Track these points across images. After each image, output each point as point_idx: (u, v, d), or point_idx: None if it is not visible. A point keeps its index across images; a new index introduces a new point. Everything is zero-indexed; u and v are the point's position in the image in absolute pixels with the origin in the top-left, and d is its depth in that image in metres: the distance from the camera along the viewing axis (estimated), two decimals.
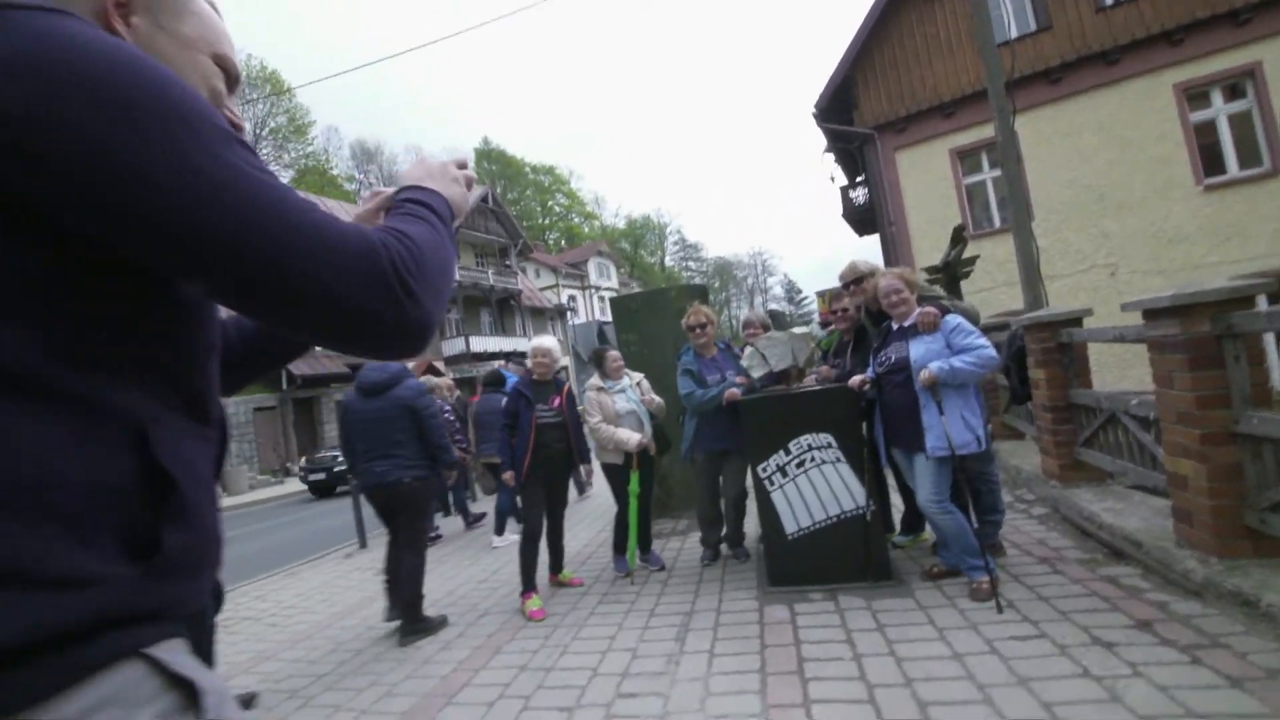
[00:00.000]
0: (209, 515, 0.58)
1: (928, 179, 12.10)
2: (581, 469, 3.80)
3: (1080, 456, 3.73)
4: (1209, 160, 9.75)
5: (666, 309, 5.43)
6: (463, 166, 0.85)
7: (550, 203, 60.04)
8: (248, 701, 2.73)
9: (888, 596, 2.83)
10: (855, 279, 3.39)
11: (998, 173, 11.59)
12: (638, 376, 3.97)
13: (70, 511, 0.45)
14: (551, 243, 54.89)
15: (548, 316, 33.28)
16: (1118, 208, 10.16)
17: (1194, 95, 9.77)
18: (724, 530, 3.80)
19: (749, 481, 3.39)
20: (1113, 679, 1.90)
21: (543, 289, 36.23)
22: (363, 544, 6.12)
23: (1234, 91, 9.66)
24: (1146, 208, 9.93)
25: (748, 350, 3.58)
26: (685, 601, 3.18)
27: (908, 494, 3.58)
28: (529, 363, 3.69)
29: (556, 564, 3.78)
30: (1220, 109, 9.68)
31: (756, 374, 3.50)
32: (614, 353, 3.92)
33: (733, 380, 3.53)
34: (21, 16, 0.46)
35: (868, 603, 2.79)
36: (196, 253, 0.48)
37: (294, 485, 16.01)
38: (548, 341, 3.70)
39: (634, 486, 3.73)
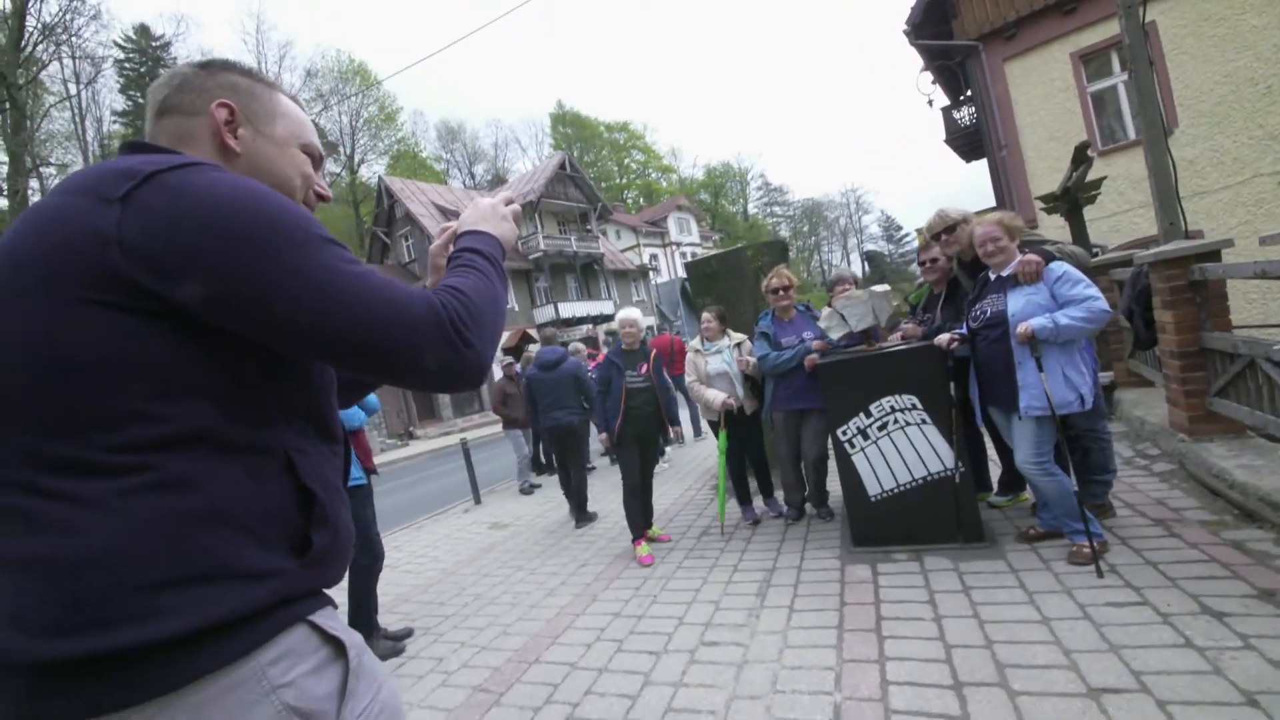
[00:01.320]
0: (342, 517, 0.80)
1: (1044, 90, 10.68)
2: (670, 430, 4.07)
3: (1213, 407, 3.35)
4: None
5: (744, 269, 5.37)
6: (509, 204, 1.02)
7: (626, 160, 59.46)
8: (406, 635, 3.27)
9: (977, 558, 2.79)
10: (946, 228, 3.19)
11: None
12: (739, 338, 4.03)
13: (252, 525, 0.66)
14: (630, 201, 54.69)
15: (631, 278, 33.57)
16: None
17: None
18: (806, 491, 3.87)
19: (829, 443, 3.41)
20: (1218, 650, 1.80)
21: (624, 250, 36.45)
22: (477, 500, 6.82)
23: None
24: None
25: (825, 311, 3.52)
26: (768, 558, 3.32)
27: (1005, 453, 3.43)
28: (619, 332, 4.03)
29: (646, 520, 4.04)
30: None
31: (835, 335, 3.45)
32: (705, 314, 4.02)
33: (808, 344, 3.51)
34: (172, 179, 0.64)
35: (955, 564, 2.77)
36: (314, 337, 0.67)
37: (418, 447, 17.84)
38: (634, 313, 4.03)
39: (722, 444, 3.89)
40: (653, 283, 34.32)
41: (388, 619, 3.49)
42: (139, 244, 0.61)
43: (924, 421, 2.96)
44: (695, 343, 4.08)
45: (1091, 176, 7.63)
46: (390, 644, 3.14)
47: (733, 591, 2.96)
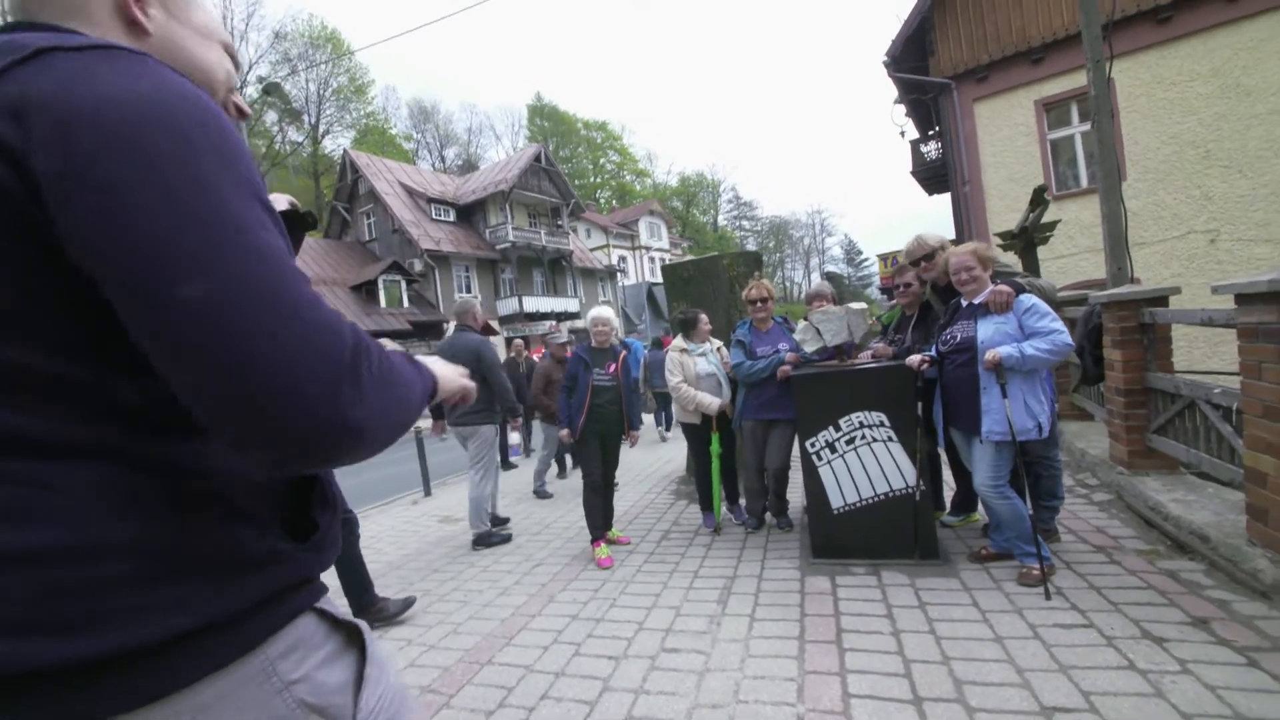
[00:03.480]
0: (339, 496, 0.71)
1: (1008, 133, 11.23)
2: (631, 435, 3.94)
3: (1151, 443, 3.55)
4: None
5: (720, 276, 5.41)
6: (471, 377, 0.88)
7: (602, 160, 59.34)
8: (409, 603, 3.25)
9: (932, 575, 2.85)
10: (925, 254, 3.29)
11: (1088, 126, 10.61)
12: (717, 343, 4.11)
13: (246, 505, 0.58)
14: (603, 201, 54.54)
15: (598, 277, 33.43)
16: (1225, 166, 9.14)
17: None
18: (768, 499, 3.90)
19: (795, 453, 3.45)
20: (1159, 673, 1.89)
21: (593, 249, 36.29)
22: (427, 491, 6.59)
23: None
24: (1260, 167, 8.89)
25: (801, 324, 3.55)
26: (729, 566, 3.31)
27: (962, 475, 3.54)
28: (590, 330, 3.92)
29: (606, 522, 3.98)
30: None
31: (810, 348, 3.48)
32: (704, 315, 4.01)
33: (782, 355, 3.55)
34: (63, 62, 0.48)
35: (911, 580, 2.83)
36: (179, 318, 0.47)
37: None
38: (606, 312, 3.94)
39: (715, 447, 3.88)
40: (620, 284, 34.32)
41: None
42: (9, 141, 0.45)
43: (890, 439, 3.02)
44: (680, 343, 4.04)
45: (1047, 219, 8.06)
46: (397, 608, 3.17)
47: (694, 598, 2.93)
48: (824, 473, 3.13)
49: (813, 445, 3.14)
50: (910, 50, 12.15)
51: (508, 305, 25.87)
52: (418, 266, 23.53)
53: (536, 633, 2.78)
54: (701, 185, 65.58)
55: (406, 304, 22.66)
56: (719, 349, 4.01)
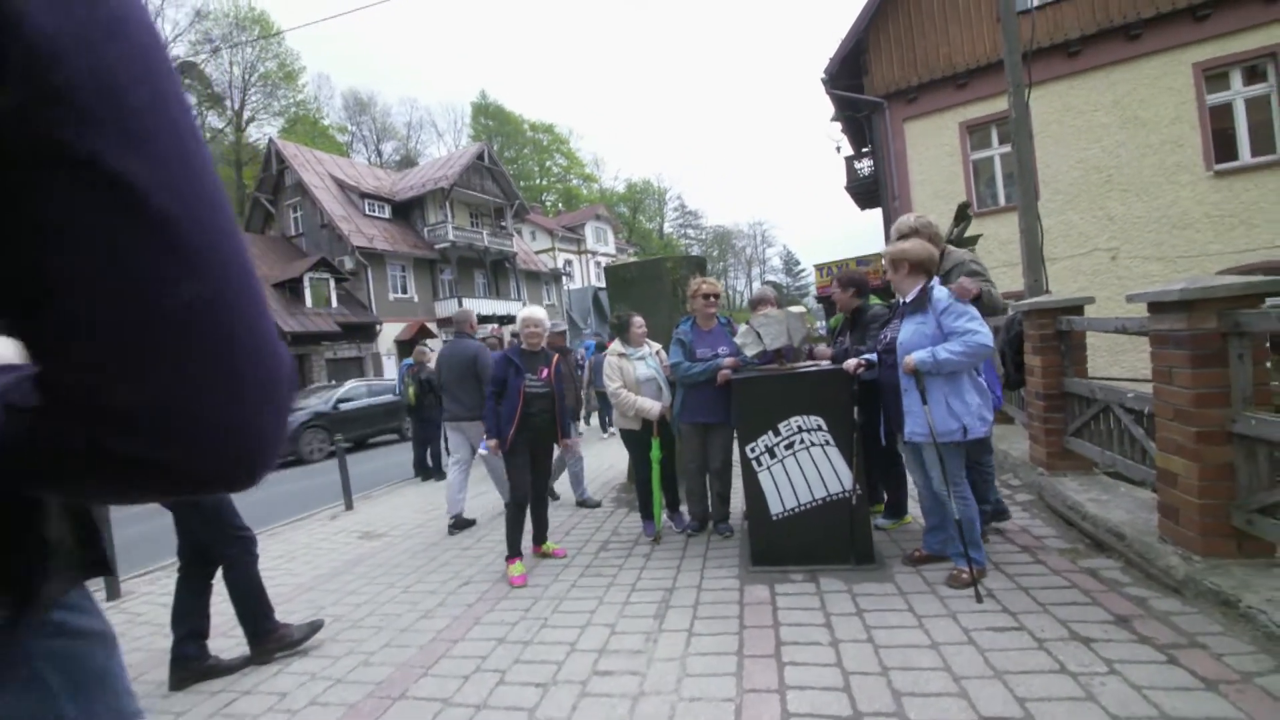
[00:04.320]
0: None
1: (935, 152, 11.83)
2: (564, 443, 3.73)
3: (1069, 445, 3.72)
4: (1221, 145, 9.54)
5: (663, 279, 5.33)
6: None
7: (549, 163, 58.70)
8: (316, 628, 2.94)
9: (868, 580, 2.83)
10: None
11: (1006, 149, 11.33)
12: (656, 346, 4.00)
13: None
14: (549, 205, 53.94)
15: (543, 281, 32.91)
16: (1124, 190, 9.98)
17: (1213, 76, 9.48)
18: (709, 502, 3.82)
19: (735, 457, 3.37)
20: (1089, 675, 1.89)
21: (539, 252, 35.73)
22: (348, 504, 6.12)
23: (1254, 74, 9.38)
24: (1154, 191, 9.76)
25: (742, 328, 3.49)
26: (667, 577, 3.18)
27: (894, 477, 3.58)
28: (521, 332, 3.62)
29: (540, 534, 3.77)
30: (1239, 92, 9.41)
31: (750, 352, 3.42)
32: (639, 319, 3.88)
33: (720, 360, 3.50)
34: None
35: (848, 586, 2.79)
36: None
37: None
38: (538, 312, 3.67)
39: (655, 453, 3.74)
40: (565, 288, 33.90)
41: (222, 644, 2.92)
42: None
43: (828, 443, 2.98)
44: (618, 346, 3.91)
45: (969, 233, 8.52)
46: (302, 634, 2.86)
47: (630, 613, 2.78)
48: (764, 479, 3.06)
49: (753, 450, 3.07)
50: (847, 68, 12.62)
51: (446, 307, 24.97)
52: (348, 264, 22.33)
53: (458, 660, 2.54)
54: (648, 192, 66.09)
55: (335, 304, 21.42)
56: (658, 352, 3.93)
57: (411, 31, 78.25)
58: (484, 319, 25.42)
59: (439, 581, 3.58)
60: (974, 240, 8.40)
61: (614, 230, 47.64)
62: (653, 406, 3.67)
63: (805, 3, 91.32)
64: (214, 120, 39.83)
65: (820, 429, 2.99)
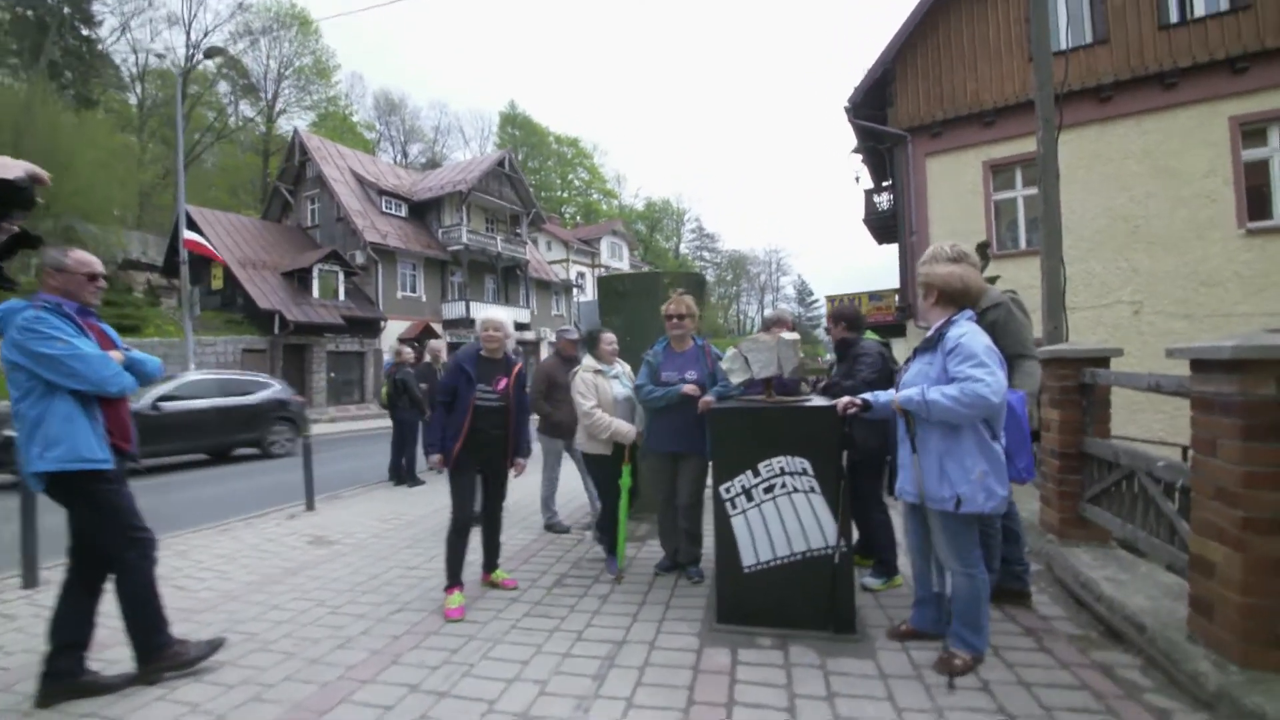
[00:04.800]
0: None
1: (956, 190, 11.54)
2: (515, 464, 3.33)
3: (1085, 513, 3.33)
4: (1255, 203, 9.17)
5: (658, 295, 5.02)
6: None
7: (571, 176, 59.20)
8: (215, 648, 2.62)
9: (846, 655, 2.45)
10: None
11: (1030, 191, 11.02)
12: (625, 366, 3.73)
13: None
14: (567, 217, 54.25)
15: (553, 291, 32.82)
16: (1150, 243, 9.61)
17: (1250, 131, 9.15)
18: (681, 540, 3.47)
19: (709, 494, 3.03)
20: None
21: (552, 262, 35.72)
22: (309, 505, 5.80)
23: None
24: (1182, 246, 9.38)
25: (730, 352, 3.15)
26: (620, 626, 2.82)
27: (885, 532, 3.21)
28: (479, 335, 3.28)
29: (490, 562, 3.42)
30: (1276, 149, 9.07)
31: (736, 379, 3.08)
32: (609, 334, 3.61)
33: (677, 389, 3.19)
34: None
35: (822, 660, 2.41)
36: None
37: None
38: (498, 314, 3.33)
39: (626, 480, 3.42)
40: (575, 300, 33.77)
41: (118, 655, 2.59)
42: None
43: (812, 490, 2.63)
44: (592, 362, 3.61)
45: (987, 274, 8.19)
46: (199, 653, 2.54)
47: (568, 669, 2.42)
48: (738, 524, 2.70)
49: (728, 491, 2.71)
50: (871, 99, 12.43)
51: (454, 309, 24.87)
52: (359, 259, 22.33)
53: (357, 707, 2.19)
54: (667, 212, 66.34)
55: (343, 297, 21.37)
56: (628, 373, 3.64)
57: (446, 39, 79.85)
58: None
59: (372, 604, 3.23)
60: (992, 281, 8.05)
61: (630, 247, 47.68)
62: (629, 430, 3.36)
63: (836, 31, 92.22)
64: (246, 109, 40.66)
65: (805, 473, 2.63)
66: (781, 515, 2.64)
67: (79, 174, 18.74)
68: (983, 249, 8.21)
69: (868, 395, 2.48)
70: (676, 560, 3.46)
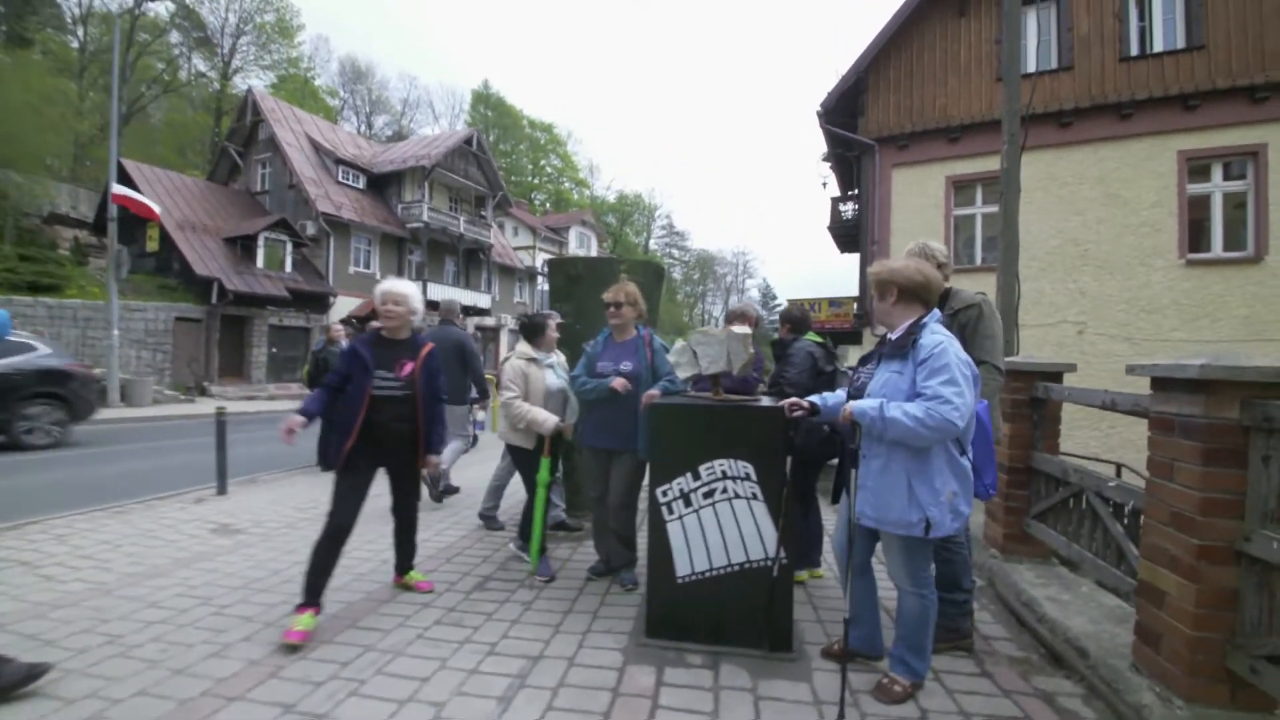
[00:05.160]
0: None
1: (920, 202, 11.70)
2: (428, 461, 2.91)
3: (1029, 529, 3.26)
4: (1195, 235, 9.59)
5: (613, 281, 4.77)
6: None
7: (543, 162, 58.12)
8: (35, 675, 2.09)
9: (780, 677, 2.26)
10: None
11: (989, 209, 11.25)
12: (560, 356, 3.50)
13: None
14: (538, 204, 53.24)
15: (517, 277, 32.11)
16: (1098, 266, 9.93)
17: (1196, 167, 9.55)
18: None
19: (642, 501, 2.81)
20: None
21: (518, 248, 34.92)
22: (221, 489, 5.31)
23: (1233, 170, 9.47)
24: (1127, 271, 9.73)
25: (678, 345, 2.93)
26: (539, 638, 2.56)
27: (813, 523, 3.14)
28: (378, 310, 2.79)
29: (403, 563, 3.10)
30: (1218, 185, 9.49)
31: (684, 374, 2.87)
32: (555, 321, 3.38)
33: (606, 383, 2.98)
34: None
35: (754, 682, 2.22)
36: None
37: (206, 406, 14.82)
38: (403, 287, 2.80)
39: (544, 475, 3.15)
40: (540, 288, 33.13)
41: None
42: None
43: (754, 496, 2.43)
44: (527, 349, 3.34)
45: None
46: (15, 678, 2.03)
47: (471, 689, 2.15)
48: (673, 530, 2.48)
49: (665, 494, 2.49)
50: (843, 106, 12.47)
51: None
52: (310, 229, 21.21)
53: None
54: (638, 207, 65.93)
55: (290, 268, 20.25)
56: (562, 362, 3.43)
57: (421, 9, 77.04)
58: None
59: (265, 605, 2.88)
60: (945, 296, 8.13)
61: (599, 239, 47.15)
62: (546, 419, 3.11)
63: (814, 36, 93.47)
64: (200, 64, 38.15)
65: (748, 478, 2.43)
66: (720, 523, 2.43)
67: (6, 117, 17.10)
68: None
69: (815, 398, 2.29)
70: (610, 564, 3.23)
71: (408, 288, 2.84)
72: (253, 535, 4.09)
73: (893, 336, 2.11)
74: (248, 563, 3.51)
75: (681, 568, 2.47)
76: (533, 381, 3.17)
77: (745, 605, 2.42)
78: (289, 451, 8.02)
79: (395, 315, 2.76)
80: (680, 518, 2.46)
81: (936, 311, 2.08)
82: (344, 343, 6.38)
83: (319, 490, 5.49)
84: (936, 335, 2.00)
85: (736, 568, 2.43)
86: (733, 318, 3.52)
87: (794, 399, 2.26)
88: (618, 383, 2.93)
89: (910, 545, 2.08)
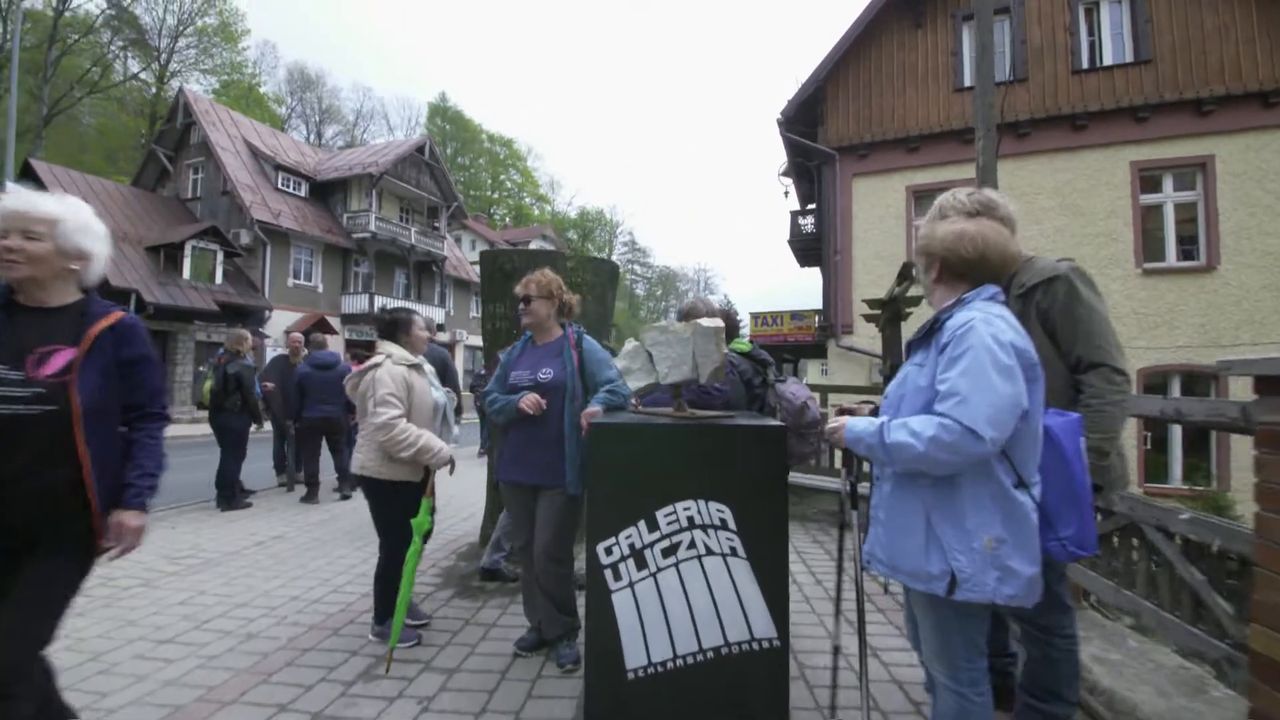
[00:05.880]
0: None
1: (880, 212, 11.53)
2: (123, 524, 1.51)
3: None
4: (1150, 245, 9.65)
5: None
6: None
7: (503, 177, 57.28)
8: None
9: None
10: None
11: None
12: (427, 364, 2.78)
13: None
14: (497, 219, 52.28)
15: (473, 290, 30.97)
16: None
17: (1148, 177, 9.64)
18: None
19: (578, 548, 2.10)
20: None
21: (474, 262, 33.81)
22: None
23: (1184, 181, 9.61)
24: None
25: (628, 345, 2.25)
26: None
27: None
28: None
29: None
30: (1170, 195, 9.60)
31: (636, 383, 2.19)
32: (418, 317, 2.60)
33: (514, 401, 2.33)
34: None
35: None
36: None
37: None
38: (48, 202, 1.49)
39: (423, 520, 2.42)
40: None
41: None
42: None
43: (733, 552, 1.77)
44: (404, 353, 2.62)
45: (912, 294, 7.93)
46: None
47: None
48: (621, 602, 1.79)
49: (610, 552, 1.79)
50: (803, 115, 12.28)
51: (356, 302, 22.62)
52: (244, 239, 19.74)
53: None
54: (600, 223, 65.65)
55: (220, 280, 18.72)
56: (433, 371, 2.77)
57: (375, 20, 75.48)
58: None
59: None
60: (916, 301, 7.79)
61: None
62: (440, 449, 2.44)
63: (776, 54, 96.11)
64: (135, 65, 35.85)
65: (724, 526, 1.77)
66: (687, 590, 1.75)
67: None
68: (907, 269, 7.93)
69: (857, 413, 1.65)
70: (543, 635, 2.49)
71: (63, 206, 1.51)
72: (96, 599, 3.17)
73: (942, 311, 1.50)
74: (61, 645, 2.61)
75: (634, 657, 1.77)
76: (417, 395, 2.45)
77: (725, 705, 1.74)
78: (197, 483, 6.92)
79: (29, 257, 1.44)
80: (631, 585, 1.77)
81: (990, 287, 1.48)
82: (248, 357, 5.46)
83: (204, 534, 4.54)
84: (969, 312, 1.40)
85: (711, 654, 1.75)
86: (685, 317, 2.86)
87: (846, 410, 1.60)
88: (526, 402, 2.25)
89: (940, 613, 1.45)
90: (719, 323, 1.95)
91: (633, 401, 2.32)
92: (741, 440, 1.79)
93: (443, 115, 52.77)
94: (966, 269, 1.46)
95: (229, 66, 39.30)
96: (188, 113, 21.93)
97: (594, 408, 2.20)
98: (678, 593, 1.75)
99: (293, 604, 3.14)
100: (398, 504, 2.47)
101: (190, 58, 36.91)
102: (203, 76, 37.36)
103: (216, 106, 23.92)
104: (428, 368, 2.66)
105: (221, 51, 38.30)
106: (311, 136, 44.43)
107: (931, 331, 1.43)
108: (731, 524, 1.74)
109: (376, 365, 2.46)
